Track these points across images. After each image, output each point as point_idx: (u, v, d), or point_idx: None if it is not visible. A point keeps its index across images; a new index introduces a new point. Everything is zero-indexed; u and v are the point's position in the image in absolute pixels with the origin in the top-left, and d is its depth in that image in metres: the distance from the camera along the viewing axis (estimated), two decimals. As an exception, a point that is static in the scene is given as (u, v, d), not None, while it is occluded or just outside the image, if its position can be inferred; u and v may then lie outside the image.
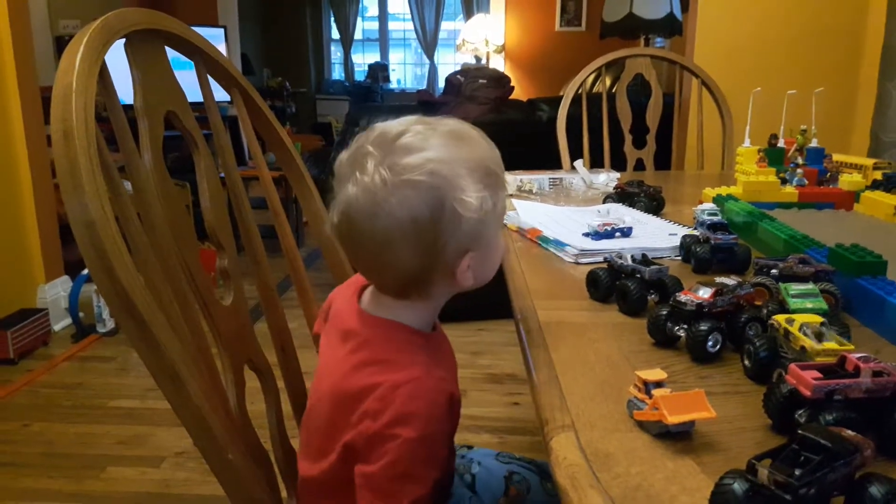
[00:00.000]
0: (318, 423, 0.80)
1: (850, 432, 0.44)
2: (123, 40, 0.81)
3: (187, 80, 0.95)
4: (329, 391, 0.78)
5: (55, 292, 2.93)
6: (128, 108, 0.77)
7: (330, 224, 0.74)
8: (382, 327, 0.76)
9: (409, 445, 0.68)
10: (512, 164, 1.66)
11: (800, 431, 0.42)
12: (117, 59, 0.80)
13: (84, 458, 1.97)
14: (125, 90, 0.80)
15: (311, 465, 0.82)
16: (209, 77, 0.98)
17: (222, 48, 4.71)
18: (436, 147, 0.69)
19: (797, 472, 0.39)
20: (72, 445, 2.04)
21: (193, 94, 0.95)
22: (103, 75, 0.74)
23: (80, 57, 0.70)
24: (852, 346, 0.58)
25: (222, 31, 5.15)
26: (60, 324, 2.92)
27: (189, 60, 0.96)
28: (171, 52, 0.91)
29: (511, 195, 1.50)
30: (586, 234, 1.11)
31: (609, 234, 1.10)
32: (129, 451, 2.01)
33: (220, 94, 1.05)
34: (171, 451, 1.99)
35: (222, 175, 0.98)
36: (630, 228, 1.11)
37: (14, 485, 1.86)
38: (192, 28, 0.95)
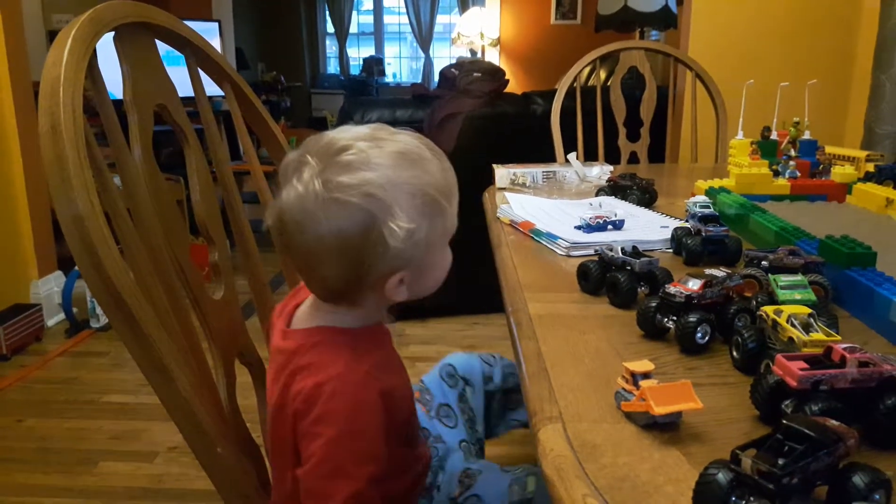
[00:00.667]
0: (271, 447, 0.80)
1: (833, 422, 0.44)
2: (113, 33, 0.80)
3: (181, 75, 0.95)
4: (269, 411, 0.78)
5: (48, 287, 2.92)
6: (118, 103, 0.77)
7: (266, 223, 0.73)
8: (307, 336, 0.76)
9: (332, 444, 0.68)
10: (506, 157, 1.67)
11: (784, 421, 0.42)
12: (107, 53, 0.80)
13: (77, 454, 1.97)
14: (115, 84, 0.80)
15: (277, 487, 0.82)
16: (201, 71, 0.98)
17: (217, 42, 4.69)
18: (378, 168, 0.67)
19: (780, 462, 0.39)
20: (65, 441, 2.04)
21: (187, 89, 0.95)
22: (92, 68, 0.74)
23: (67, 50, 0.70)
24: (839, 337, 0.58)
25: (216, 25, 5.12)
26: (54, 319, 2.92)
27: (182, 55, 0.96)
28: (165, 48, 0.91)
29: (504, 188, 1.50)
30: (578, 227, 1.11)
31: (601, 227, 1.10)
32: (122, 446, 2.01)
33: (214, 89, 1.05)
34: (164, 445, 1.99)
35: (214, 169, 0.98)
36: (622, 221, 1.12)
37: (7, 480, 1.86)
38: (187, 22, 0.95)
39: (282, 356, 0.76)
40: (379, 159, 0.68)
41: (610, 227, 1.10)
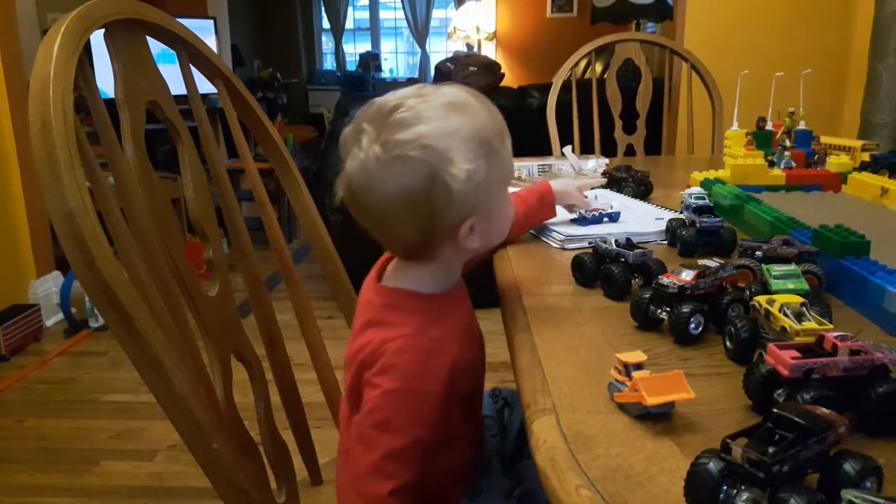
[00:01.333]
0: (345, 395, 0.83)
1: (824, 410, 0.44)
2: (103, 31, 0.80)
3: (176, 73, 0.95)
4: (346, 358, 0.81)
5: (46, 287, 2.92)
6: (110, 101, 0.77)
7: (337, 197, 0.76)
8: (387, 295, 0.79)
9: (387, 396, 0.71)
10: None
11: (774, 410, 0.43)
12: (99, 51, 0.80)
13: (78, 453, 1.97)
14: (108, 83, 0.80)
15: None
16: (193, 68, 0.98)
17: (212, 40, 4.68)
18: (429, 120, 0.70)
19: (771, 450, 0.39)
20: (65, 440, 2.05)
21: (182, 86, 0.95)
22: (83, 66, 0.73)
23: (57, 47, 0.70)
24: (831, 326, 0.58)
25: (212, 22, 5.11)
26: (52, 319, 2.92)
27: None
28: (160, 46, 0.91)
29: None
30: (574, 220, 1.10)
31: (597, 220, 1.10)
32: (122, 445, 2.01)
33: (210, 87, 1.04)
34: (164, 444, 1.99)
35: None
36: (618, 213, 1.11)
37: (8, 480, 1.86)
38: (182, 19, 0.95)
39: (364, 306, 0.81)
40: (429, 112, 0.71)
41: (606, 219, 1.10)
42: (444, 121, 0.71)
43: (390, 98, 0.73)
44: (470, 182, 0.70)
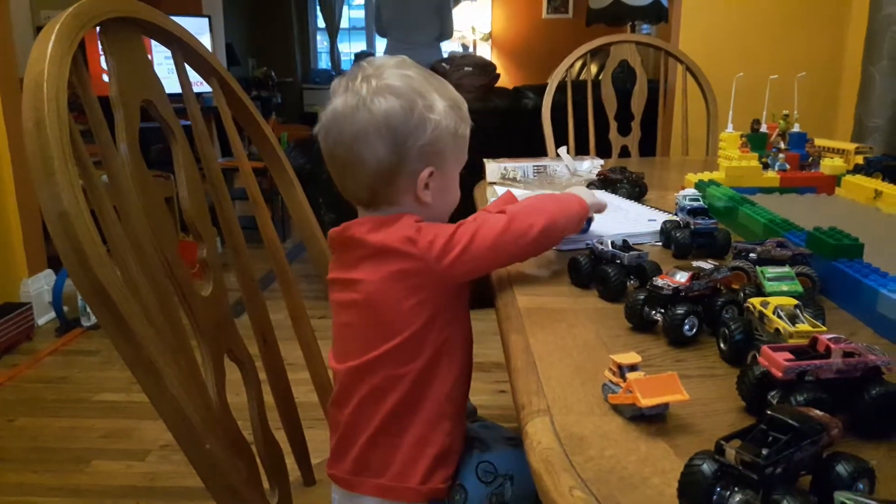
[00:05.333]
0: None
1: (817, 412, 0.44)
2: (98, 29, 0.80)
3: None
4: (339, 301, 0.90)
5: (38, 286, 2.91)
6: (104, 99, 0.76)
7: (317, 125, 0.86)
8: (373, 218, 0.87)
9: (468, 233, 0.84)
10: (497, 151, 1.66)
11: (768, 412, 0.43)
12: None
13: (69, 452, 1.96)
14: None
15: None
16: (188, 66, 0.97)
17: (207, 38, 4.67)
18: (414, 75, 0.84)
19: (764, 452, 0.39)
20: (57, 439, 2.04)
21: (176, 85, 0.95)
22: (77, 64, 0.73)
23: (51, 45, 0.70)
24: (825, 328, 0.59)
25: (206, 20, 5.09)
26: (44, 318, 2.90)
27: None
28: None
29: (495, 183, 1.50)
30: None
31: None
32: (114, 445, 2.00)
33: (205, 86, 1.04)
34: (155, 443, 1.98)
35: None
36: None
37: (-1, 479, 1.85)
38: (177, 18, 0.95)
39: (348, 242, 0.87)
40: (414, 71, 0.85)
41: None
42: (427, 81, 0.85)
43: (383, 57, 0.87)
44: (444, 120, 0.82)
